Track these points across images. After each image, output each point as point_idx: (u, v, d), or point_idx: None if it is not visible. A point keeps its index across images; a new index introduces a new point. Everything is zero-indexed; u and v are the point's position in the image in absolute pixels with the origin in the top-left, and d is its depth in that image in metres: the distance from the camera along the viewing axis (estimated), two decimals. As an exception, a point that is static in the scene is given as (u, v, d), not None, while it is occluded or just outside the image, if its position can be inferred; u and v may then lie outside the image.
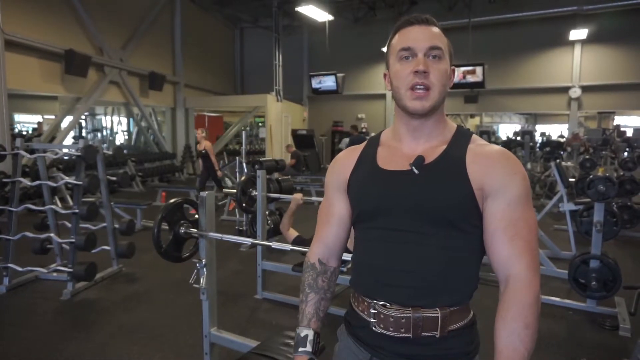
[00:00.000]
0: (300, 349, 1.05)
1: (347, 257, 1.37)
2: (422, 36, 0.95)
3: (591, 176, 3.45)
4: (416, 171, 0.95)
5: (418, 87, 0.94)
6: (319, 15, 10.44)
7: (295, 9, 10.30)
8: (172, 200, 2.16)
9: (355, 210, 1.05)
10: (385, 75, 1.04)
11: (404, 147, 1.01)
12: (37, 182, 4.00)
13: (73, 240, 3.61)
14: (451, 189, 0.93)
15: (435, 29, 0.97)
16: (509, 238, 0.90)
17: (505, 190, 0.91)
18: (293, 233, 3.14)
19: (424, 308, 0.92)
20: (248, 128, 16.35)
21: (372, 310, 0.96)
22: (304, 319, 1.08)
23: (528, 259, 0.90)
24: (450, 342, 0.93)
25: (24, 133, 14.72)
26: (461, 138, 0.99)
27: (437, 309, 0.92)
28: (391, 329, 0.94)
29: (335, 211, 1.10)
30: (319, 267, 1.11)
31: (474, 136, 1.01)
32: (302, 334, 1.06)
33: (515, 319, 0.87)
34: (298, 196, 3.36)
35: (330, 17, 10.92)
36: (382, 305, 0.95)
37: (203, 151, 6.98)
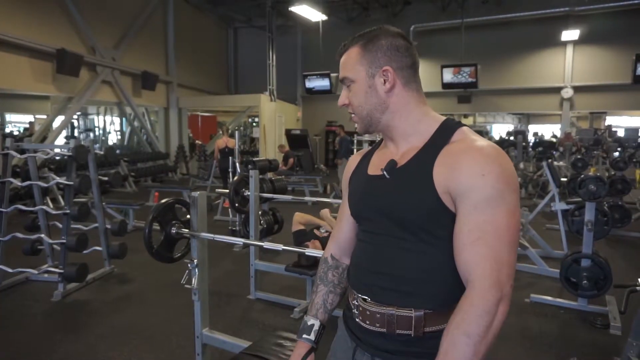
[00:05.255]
0: (304, 336, 1.10)
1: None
2: (340, 70, 1.02)
3: (582, 176, 3.47)
4: (387, 176, 0.97)
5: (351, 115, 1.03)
6: (313, 15, 10.43)
7: (289, 8, 10.29)
8: (163, 200, 2.15)
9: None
10: None
11: (388, 151, 1.04)
12: (28, 183, 3.96)
13: (64, 240, 3.58)
14: (415, 195, 0.91)
15: (349, 54, 1.00)
16: (470, 242, 0.85)
17: (471, 193, 0.85)
18: (299, 227, 3.59)
19: (399, 307, 0.93)
20: (242, 128, 16.31)
21: (356, 303, 1.01)
22: (312, 309, 1.14)
23: (487, 267, 0.83)
24: (430, 342, 0.91)
25: (16, 133, 14.59)
26: (441, 136, 0.94)
27: (412, 309, 0.92)
28: (367, 322, 0.98)
29: (345, 210, 1.15)
30: (331, 262, 1.18)
31: (460, 130, 0.93)
32: (309, 323, 1.12)
33: (458, 326, 0.83)
34: (325, 213, 3.79)
35: (324, 17, 10.92)
36: (363, 299, 0.99)
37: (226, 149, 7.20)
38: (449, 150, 0.91)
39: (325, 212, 3.81)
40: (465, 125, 0.96)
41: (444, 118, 0.99)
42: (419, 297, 0.92)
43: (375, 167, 1.03)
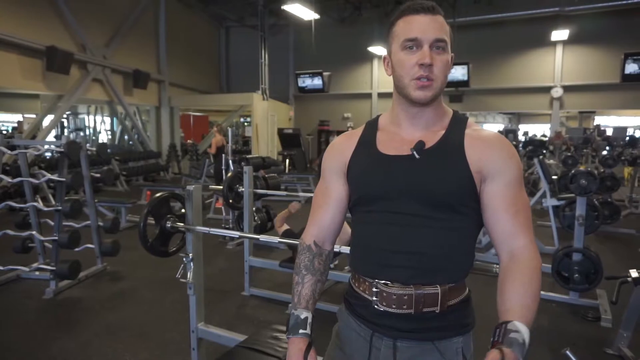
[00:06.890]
0: (301, 331, 1.03)
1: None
2: (428, 27, 0.95)
3: (574, 171, 3.51)
4: (417, 156, 0.97)
5: (422, 78, 0.96)
6: (305, 14, 10.42)
7: (281, 7, 10.26)
8: (158, 194, 2.14)
9: (355, 194, 1.06)
10: (385, 59, 1.04)
11: (402, 132, 1.04)
12: (19, 179, 3.90)
13: (56, 238, 3.55)
14: (451, 174, 0.96)
15: (440, 19, 0.98)
16: (512, 215, 0.95)
17: (503, 173, 0.96)
18: (284, 227, 3.43)
19: (425, 285, 0.95)
20: (234, 127, 16.26)
21: (374, 289, 0.99)
22: (301, 301, 1.07)
23: (529, 235, 0.96)
24: (449, 316, 0.97)
25: (4, 132, 14.40)
26: (458, 123, 1.03)
27: (437, 285, 0.96)
28: (394, 306, 0.97)
29: (332, 194, 1.11)
30: (315, 249, 1.11)
31: (470, 121, 1.05)
32: (302, 316, 1.04)
33: (527, 282, 0.91)
34: (296, 205, 3.57)
35: (317, 16, 10.90)
36: (384, 284, 0.98)
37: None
38: (472, 135, 1.00)
39: (296, 206, 3.59)
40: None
41: (451, 110, 1.07)
42: (443, 272, 0.97)
43: (392, 148, 1.02)
